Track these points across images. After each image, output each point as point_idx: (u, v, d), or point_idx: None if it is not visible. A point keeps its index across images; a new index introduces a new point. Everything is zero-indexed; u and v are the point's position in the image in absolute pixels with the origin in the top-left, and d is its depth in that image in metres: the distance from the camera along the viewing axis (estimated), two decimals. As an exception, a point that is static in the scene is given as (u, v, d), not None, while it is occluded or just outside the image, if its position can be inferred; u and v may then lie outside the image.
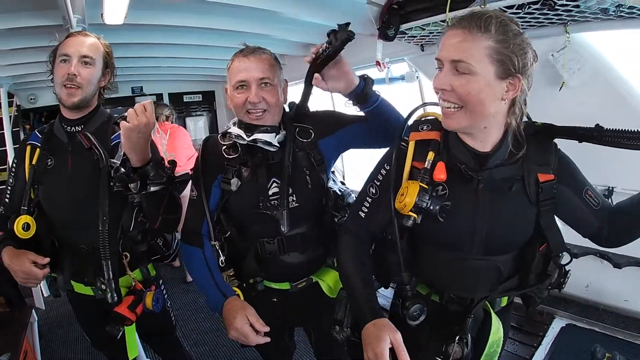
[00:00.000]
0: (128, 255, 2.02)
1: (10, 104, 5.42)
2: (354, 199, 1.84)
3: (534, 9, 2.19)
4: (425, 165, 1.43)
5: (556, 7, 2.13)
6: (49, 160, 1.95)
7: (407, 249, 1.58)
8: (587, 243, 1.62)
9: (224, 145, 1.88)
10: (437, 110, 1.60)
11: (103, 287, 1.89)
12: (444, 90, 1.32)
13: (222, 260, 1.88)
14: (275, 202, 1.81)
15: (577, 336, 2.69)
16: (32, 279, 1.83)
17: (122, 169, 1.78)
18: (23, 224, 1.86)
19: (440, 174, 1.41)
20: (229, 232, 1.92)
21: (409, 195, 1.38)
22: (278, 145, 1.79)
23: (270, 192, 1.83)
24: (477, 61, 1.26)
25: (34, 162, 1.94)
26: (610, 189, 2.64)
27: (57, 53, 1.91)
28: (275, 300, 2.00)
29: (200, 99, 7.46)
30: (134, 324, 2.04)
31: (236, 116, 1.84)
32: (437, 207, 1.40)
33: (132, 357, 2.13)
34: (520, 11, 2.22)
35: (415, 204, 1.38)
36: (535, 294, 1.57)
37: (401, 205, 1.40)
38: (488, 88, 1.28)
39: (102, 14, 2.79)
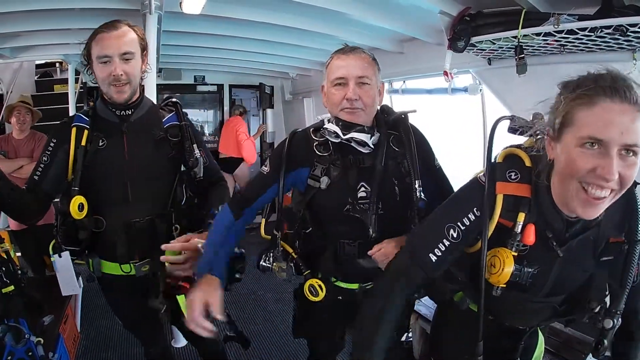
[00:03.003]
0: (178, 227, 2.08)
1: (76, 81, 5.67)
2: None
3: (606, 33, 2.14)
4: (516, 229, 1.33)
5: (628, 33, 2.09)
6: (101, 141, 2.00)
7: (465, 283, 1.53)
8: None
9: (316, 141, 1.87)
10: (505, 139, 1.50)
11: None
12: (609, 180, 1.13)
13: (278, 250, 1.92)
14: (365, 205, 1.79)
15: (614, 370, 2.60)
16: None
17: None
18: (78, 204, 1.92)
19: (529, 237, 1.32)
20: (310, 228, 1.94)
21: (506, 268, 1.30)
22: (372, 147, 1.79)
23: (358, 195, 1.82)
24: None
25: (83, 143, 1.97)
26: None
27: (94, 53, 1.92)
28: (340, 298, 2.00)
29: (270, 92, 7.56)
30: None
31: (330, 113, 1.84)
32: (528, 276, 1.35)
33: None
34: (592, 34, 2.18)
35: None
36: (577, 317, 1.52)
37: (495, 279, 1.33)
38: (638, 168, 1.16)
39: (180, 3, 2.87)
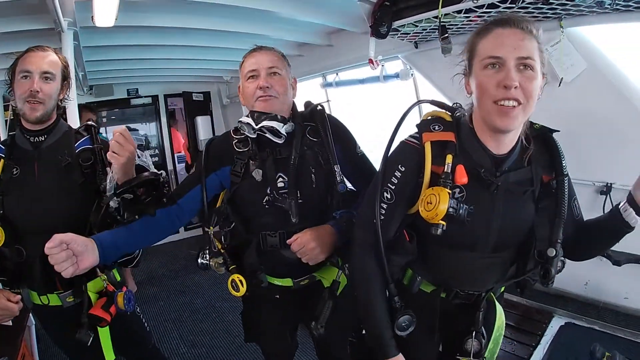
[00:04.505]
0: None
1: (6, 108, 5.39)
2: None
3: (528, 3, 2.16)
4: (446, 170, 1.42)
5: (551, 1, 2.10)
6: (15, 169, 1.98)
7: (415, 249, 1.57)
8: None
9: (235, 138, 1.93)
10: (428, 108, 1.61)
11: None
12: (513, 89, 1.30)
13: (214, 246, 1.94)
14: (284, 194, 1.84)
15: (576, 335, 2.66)
16: (8, 314, 1.96)
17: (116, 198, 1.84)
18: None
19: (462, 177, 1.41)
20: (233, 224, 1.96)
21: (441, 203, 1.36)
22: (285, 134, 1.82)
23: (277, 186, 1.86)
24: (536, 59, 1.32)
25: None
26: (609, 185, 2.60)
27: (17, 69, 1.95)
28: (278, 297, 2.03)
29: (202, 99, 7.45)
30: (108, 328, 2.06)
31: (247, 108, 1.90)
32: (465, 212, 1.41)
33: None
34: (514, 5, 2.19)
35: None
36: (531, 277, 1.58)
37: (432, 214, 1.38)
38: (539, 84, 1.34)
39: (92, 17, 2.78)
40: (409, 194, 1.51)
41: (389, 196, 1.53)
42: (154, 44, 3.96)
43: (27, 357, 3.09)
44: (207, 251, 1.96)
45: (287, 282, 2.00)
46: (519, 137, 1.46)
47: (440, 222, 1.38)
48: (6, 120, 5.20)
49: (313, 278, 2.02)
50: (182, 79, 6.65)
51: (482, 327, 1.63)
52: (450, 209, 1.37)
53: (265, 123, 1.79)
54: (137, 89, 6.83)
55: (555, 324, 2.76)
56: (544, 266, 1.47)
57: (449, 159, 1.43)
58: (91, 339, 1.98)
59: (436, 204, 1.37)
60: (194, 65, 5.28)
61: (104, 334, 2.06)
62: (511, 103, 1.31)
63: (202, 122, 7.34)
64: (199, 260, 1.97)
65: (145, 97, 7.01)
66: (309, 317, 2.08)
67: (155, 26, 3.31)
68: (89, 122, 2.16)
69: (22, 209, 1.97)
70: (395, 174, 1.52)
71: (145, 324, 2.44)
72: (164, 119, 7.25)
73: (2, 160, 1.98)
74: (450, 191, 1.39)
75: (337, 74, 4.52)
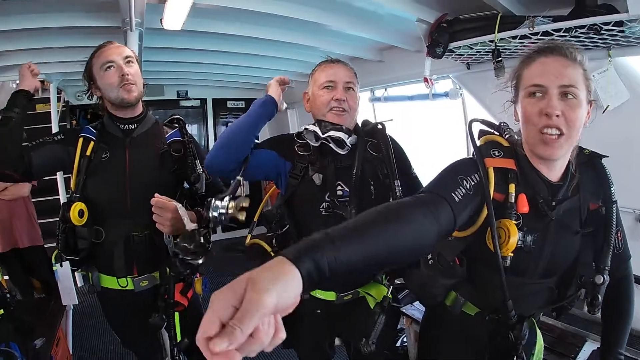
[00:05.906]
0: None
1: (58, 100, 5.61)
2: None
3: (580, 33, 2.19)
4: (510, 200, 1.41)
5: (602, 32, 2.13)
6: (105, 153, 2.05)
7: (464, 272, 1.57)
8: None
9: (298, 142, 1.96)
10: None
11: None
12: (555, 117, 1.29)
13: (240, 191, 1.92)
14: (343, 202, 1.86)
15: (607, 359, 2.62)
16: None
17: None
18: (79, 210, 1.95)
19: (524, 207, 1.40)
20: (286, 227, 1.97)
21: (512, 237, 1.37)
22: (350, 146, 1.86)
23: (336, 194, 1.88)
24: (580, 87, 1.32)
25: (88, 153, 2.02)
26: (642, 212, 2.57)
27: (96, 66, 2.04)
28: (319, 311, 2.01)
29: (243, 106, 7.56)
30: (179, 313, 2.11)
31: (316, 116, 1.95)
32: (531, 242, 1.43)
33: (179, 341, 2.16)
34: (567, 34, 2.22)
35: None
36: (568, 302, 1.58)
37: (504, 249, 1.38)
38: (583, 113, 1.34)
39: (161, 19, 2.88)
40: (473, 208, 1.36)
41: (468, 186, 1.34)
42: (208, 49, 4.06)
43: (61, 341, 3.17)
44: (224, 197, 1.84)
45: (331, 295, 1.98)
46: (569, 162, 1.45)
47: (510, 254, 1.39)
48: (58, 111, 5.43)
49: (357, 294, 2.02)
50: (230, 85, 6.74)
51: (523, 353, 1.59)
52: (519, 242, 1.39)
53: (331, 133, 1.83)
54: (186, 91, 7.01)
55: (588, 348, 2.72)
56: (591, 293, 1.47)
57: (512, 188, 1.42)
58: (165, 324, 2.04)
59: (506, 239, 1.38)
60: (244, 72, 5.36)
61: (177, 318, 2.10)
62: (554, 132, 1.31)
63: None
64: (211, 213, 1.82)
65: (194, 99, 7.17)
66: (348, 332, 2.11)
67: (215, 32, 3.39)
68: (176, 116, 2.30)
69: (108, 192, 2.04)
70: (473, 176, 1.38)
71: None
72: (210, 122, 7.41)
73: (92, 142, 2.04)
74: (516, 222, 1.39)
75: (385, 89, 4.55)
